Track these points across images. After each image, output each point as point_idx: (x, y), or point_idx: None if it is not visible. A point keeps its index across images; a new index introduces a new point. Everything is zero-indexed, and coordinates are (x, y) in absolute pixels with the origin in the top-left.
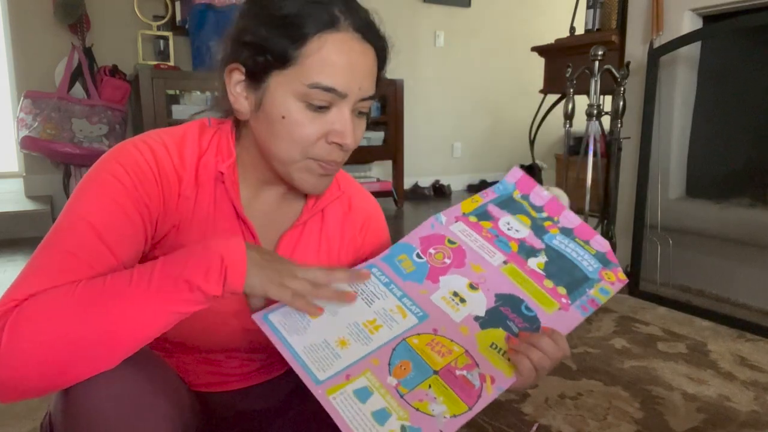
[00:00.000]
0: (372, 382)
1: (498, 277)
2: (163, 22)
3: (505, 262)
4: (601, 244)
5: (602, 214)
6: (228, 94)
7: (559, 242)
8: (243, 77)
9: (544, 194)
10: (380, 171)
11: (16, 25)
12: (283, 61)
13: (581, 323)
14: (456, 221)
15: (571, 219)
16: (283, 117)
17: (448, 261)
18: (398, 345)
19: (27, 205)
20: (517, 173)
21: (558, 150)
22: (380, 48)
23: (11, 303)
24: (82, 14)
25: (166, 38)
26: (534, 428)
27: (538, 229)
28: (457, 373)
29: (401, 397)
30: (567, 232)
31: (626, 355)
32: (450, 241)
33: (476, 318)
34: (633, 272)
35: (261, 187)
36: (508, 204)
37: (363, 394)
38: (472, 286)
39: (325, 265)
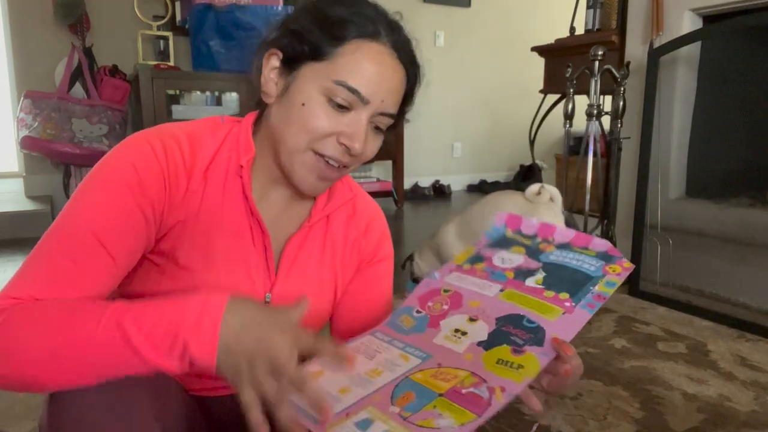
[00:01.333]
0: (373, 413)
1: (496, 303)
2: (163, 22)
3: (501, 290)
4: (600, 244)
5: (602, 214)
6: (261, 76)
7: (557, 256)
8: (278, 63)
9: (533, 222)
10: (380, 171)
11: (16, 25)
12: (317, 54)
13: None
14: (450, 273)
15: (565, 234)
16: (303, 104)
17: (446, 307)
18: (401, 382)
19: (27, 205)
20: (503, 215)
21: (558, 150)
22: (412, 72)
23: (8, 300)
24: (82, 14)
25: (166, 38)
26: (534, 428)
27: (534, 252)
28: (464, 391)
29: (404, 419)
30: (564, 246)
31: (626, 355)
32: (445, 290)
33: (479, 343)
34: (633, 272)
35: (270, 186)
36: (501, 242)
37: (364, 424)
38: (471, 319)
39: (328, 272)
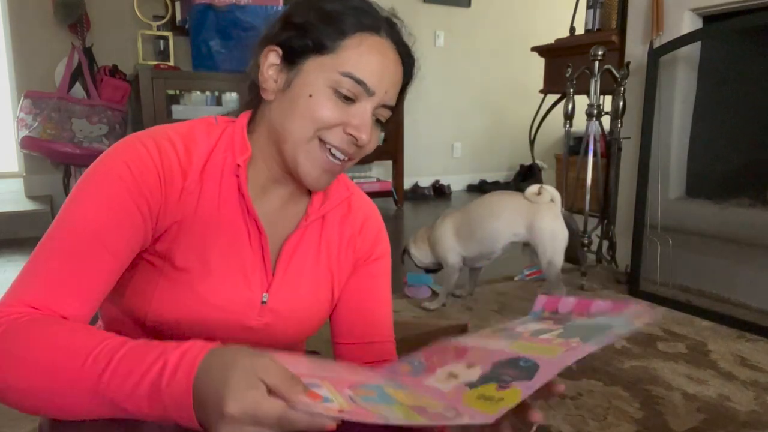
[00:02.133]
0: (325, 385)
1: (500, 352)
2: (163, 22)
3: (511, 343)
4: (635, 309)
5: (602, 214)
6: (259, 73)
7: (584, 321)
8: (278, 60)
9: (570, 300)
10: (380, 171)
11: (16, 25)
12: (321, 48)
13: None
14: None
15: (602, 307)
16: (311, 96)
17: (448, 358)
18: (371, 385)
19: (27, 205)
20: (542, 299)
21: (558, 150)
22: (408, 67)
23: (9, 308)
24: (82, 14)
25: (166, 38)
26: (534, 428)
27: (561, 320)
28: (430, 410)
29: (352, 400)
30: (598, 314)
31: (626, 355)
32: (455, 347)
33: (467, 384)
34: (633, 272)
35: (267, 186)
36: (532, 320)
37: (311, 386)
38: (469, 365)
39: (324, 271)
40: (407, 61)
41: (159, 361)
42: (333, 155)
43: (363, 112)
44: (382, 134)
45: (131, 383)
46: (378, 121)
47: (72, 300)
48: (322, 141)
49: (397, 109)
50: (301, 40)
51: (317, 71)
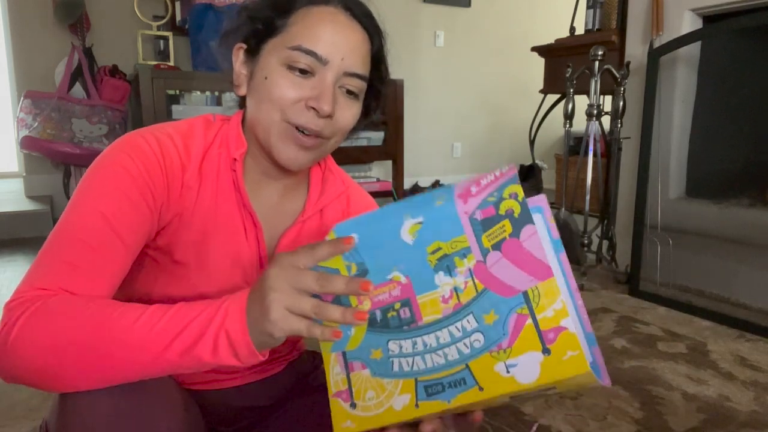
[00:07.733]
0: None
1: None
2: (163, 22)
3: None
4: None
5: (602, 214)
6: (233, 72)
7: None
8: (244, 55)
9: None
10: (380, 171)
11: (16, 25)
12: (272, 30)
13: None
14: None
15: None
16: (266, 78)
17: None
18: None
19: (27, 205)
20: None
21: (558, 150)
22: (371, 29)
23: (29, 293)
24: (82, 14)
25: (166, 38)
26: (534, 428)
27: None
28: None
29: None
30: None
31: (626, 355)
32: None
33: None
34: (633, 272)
35: (262, 181)
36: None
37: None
38: None
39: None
40: (367, 23)
41: (209, 307)
42: (303, 133)
43: (321, 83)
44: (382, 133)
45: (186, 322)
46: (352, 93)
47: (88, 287)
48: (289, 123)
49: (381, 81)
50: (255, 28)
51: (271, 53)
